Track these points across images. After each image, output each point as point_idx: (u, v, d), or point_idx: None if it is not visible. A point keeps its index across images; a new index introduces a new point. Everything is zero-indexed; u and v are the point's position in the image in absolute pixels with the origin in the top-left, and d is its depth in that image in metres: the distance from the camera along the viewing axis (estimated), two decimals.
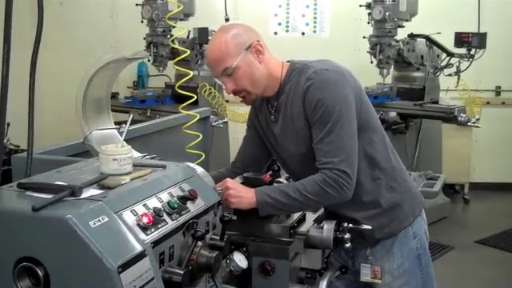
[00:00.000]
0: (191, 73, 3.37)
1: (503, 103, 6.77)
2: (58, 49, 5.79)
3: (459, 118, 5.10)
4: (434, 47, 5.49)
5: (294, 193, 2.02)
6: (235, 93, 2.20)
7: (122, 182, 1.56)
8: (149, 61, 5.70)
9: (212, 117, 4.04)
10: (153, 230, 1.45)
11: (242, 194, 2.03)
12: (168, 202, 1.56)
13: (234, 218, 1.98)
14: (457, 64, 5.46)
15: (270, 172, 2.17)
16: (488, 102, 6.52)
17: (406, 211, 2.28)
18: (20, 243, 1.34)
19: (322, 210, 2.27)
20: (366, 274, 2.29)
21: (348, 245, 2.05)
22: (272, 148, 2.32)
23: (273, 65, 2.22)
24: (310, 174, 2.05)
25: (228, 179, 2.08)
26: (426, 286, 2.35)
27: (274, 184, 2.12)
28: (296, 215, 2.13)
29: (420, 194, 2.42)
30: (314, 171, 2.05)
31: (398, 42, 5.49)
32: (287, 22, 6.98)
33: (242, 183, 2.08)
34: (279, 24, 6.97)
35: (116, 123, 2.25)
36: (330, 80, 2.10)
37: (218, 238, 1.70)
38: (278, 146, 2.27)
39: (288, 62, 2.28)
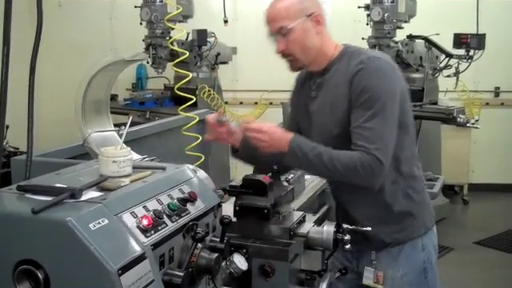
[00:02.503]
0: (190, 74, 3.38)
1: (502, 104, 6.77)
2: (56, 51, 5.80)
3: (458, 119, 5.10)
4: (433, 48, 5.50)
5: (326, 157, 2.03)
6: (283, 55, 2.21)
7: (122, 184, 1.56)
8: (148, 63, 5.70)
9: None
10: (153, 232, 1.45)
11: (277, 137, 2.07)
12: (168, 204, 1.56)
13: (234, 219, 1.98)
14: (456, 65, 5.47)
15: (270, 174, 2.17)
16: (487, 103, 6.53)
17: (418, 222, 2.24)
18: (20, 246, 1.33)
19: (322, 211, 2.27)
20: (368, 278, 2.28)
21: (348, 246, 2.05)
22: (304, 127, 2.30)
23: (327, 41, 2.22)
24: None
25: (266, 124, 2.11)
26: None
27: (274, 186, 2.11)
28: (296, 217, 2.13)
29: (432, 208, 2.36)
30: None
31: (396, 43, 5.50)
32: None
33: (242, 185, 2.08)
34: None
35: (115, 125, 2.25)
36: (380, 69, 2.10)
37: (218, 239, 1.69)
38: (311, 124, 2.25)
39: (343, 44, 2.27)
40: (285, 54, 2.21)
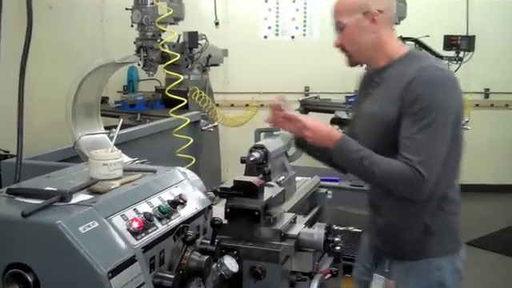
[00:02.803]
0: (181, 77, 3.37)
1: (492, 105, 6.82)
2: (47, 53, 5.78)
3: None
4: (423, 50, 5.52)
5: (367, 162, 2.05)
6: (341, 49, 2.27)
7: (112, 187, 1.56)
8: (139, 65, 5.68)
9: (202, 121, 4.03)
10: (143, 234, 1.45)
11: (322, 135, 2.13)
12: (158, 207, 1.56)
13: (225, 221, 1.98)
14: None
15: (261, 175, 2.17)
16: (477, 105, 6.57)
17: (438, 242, 2.19)
18: (9, 249, 1.33)
19: (312, 213, 2.27)
20: (377, 284, 2.26)
21: (338, 248, 2.06)
22: (354, 122, 2.34)
23: (389, 41, 2.20)
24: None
25: (314, 121, 2.19)
26: None
27: (265, 188, 2.12)
28: (287, 218, 2.13)
29: (459, 233, 2.30)
30: None
31: None
32: (277, 26, 7.00)
33: (232, 187, 2.08)
34: (269, 28, 6.99)
35: (106, 128, 2.24)
36: (438, 80, 2.05)
37: (209, 242, 1.70)
38: (359, 121, 2.29)
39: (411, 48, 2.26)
40: (341, 49, 2.25)
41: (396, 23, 5.46)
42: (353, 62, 2.29)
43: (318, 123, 2.17)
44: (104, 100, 5.69)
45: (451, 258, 2.23)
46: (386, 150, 2.06)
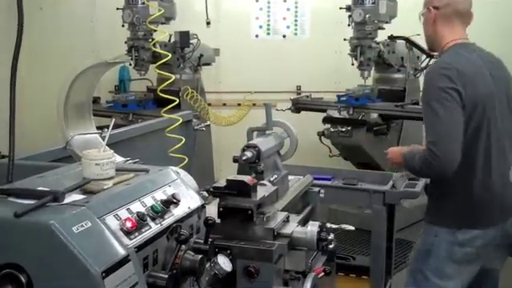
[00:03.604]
0: (173, 76, 3.36)
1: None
2: (38, 53, 5.75)
3: None
4: (414, 49, 5.54)
5: (412, 163, 2.56)
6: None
7: (105, 187, 1.55)
8: (130, 65, 5.67)
9: (194, 120, 4.02)
10: (136, 234, 1.45)
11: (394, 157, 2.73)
12: (151, 206, 1.56)
13: (218, 221, 1.98)
14: None
15: (254, 174, 2.17)
16: None
17: (442, 214, 2.61)
18: (2, 250, 1.32)
19: (305, 212, 2.27)
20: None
21: (331, 246, 2.07)
22: None
23: (446, 33, 2.64)
24: None
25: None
26: (428, 280, 2.60)
27: (258, 187, 2.12)
28: (280, 217, 2.14)
29: (465, 212, 2.58)
30: None
31: (378, 43, 5.53)
32: (268, 25, 7.00)
33: (225, 186, 2.08)
34: (260, 27, 6.99)
35: (98, 128, 2.24)
36: (428, 71, 2.67)
37: (202, 241, 1.70)
38: None
39: (458, 43, 2.66)
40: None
41: (387, 22, 5.57)
42: (430, 49, 2.87)
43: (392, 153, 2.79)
44: (95, 100, 5.66)
45: (452, 231, 2.55)
46: None
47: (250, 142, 2.58)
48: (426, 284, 2.59)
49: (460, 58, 2.55)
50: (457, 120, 2.41)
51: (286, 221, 2.16)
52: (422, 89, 2.56)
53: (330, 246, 2.07)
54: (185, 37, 5.45)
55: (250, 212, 2.01)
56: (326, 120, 5.63)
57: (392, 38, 5.66)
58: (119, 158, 2.03)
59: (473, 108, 2.46)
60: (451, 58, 2.55)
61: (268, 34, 7.00)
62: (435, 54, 2.83)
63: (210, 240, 1.71)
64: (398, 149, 2.79)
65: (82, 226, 1.33)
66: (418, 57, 5.71)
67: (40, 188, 1.50)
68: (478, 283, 2.66)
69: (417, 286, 2.65)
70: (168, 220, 1.59)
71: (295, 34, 6.97)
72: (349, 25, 5.57)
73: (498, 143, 2.55)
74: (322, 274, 2.24)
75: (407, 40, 5.51)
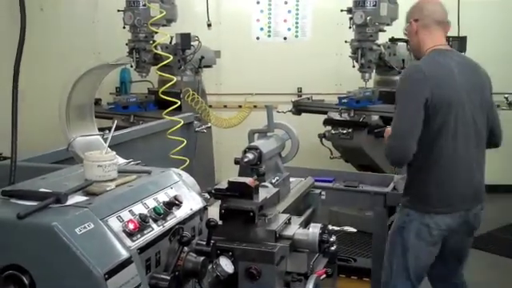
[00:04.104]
0: (174, 78, 3.37)
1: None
2: (39, 55, 5.75)
3: None
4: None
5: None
6: None
7: (108, 189, 1.56)
8: (131, 66, 5.67)
9: (195, 122, 4.03)
10: (139, 236, 1.45)
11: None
12: (154, 208, 1.56)
13: (220, 222, 1.98)
14: None
15: (255, 176, 2.17)
16: None
17: (410, 198, 2.88)
18: (5, 251, 1.32)
19: (307, 214, 2.27)
20: None
21: (334, 248, 2.07)
22: None
23: (427, 40, 2.92)
24: None
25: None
26: (399, 253, 2.89)
27: (260, 188, 2.12)
28: (281, 219, 2.14)
29: (435, 199, 2.83)
30: None
31: (379, 46, 5.53)
32: (269, 27, 7.01)
33: (227, 188, 2.08)
34: (261, 29, 7.00)
35: (99, 129, 2.24)
36: (402, 74, 3.01)
37: (204, 243, 1.70)
38: None
39: (437, 49, 2.92)
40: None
41: (388, 24, 5.57)
42: (415, 57, 3.09)
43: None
44: (97, 102, 5.67)
45: (421, 214, 2.82)
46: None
47: (252, 144, 2.59)
48: (398, 254, 2.90)
49: (432, 62, 2.84)
50: (415, 120, 2.70)
51: (288, 223, 2.16)
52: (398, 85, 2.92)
53: (332, 248, 2.07)
54: (186, 39, 5.45)
55: (251, 214, 2.01)
56: (326, 122, 5.63)
57: (393, 40, 5.67)
58: (121, 160, 2.03)
59: (439, 106, 2.72)
60: (424, 63, 2.84)
61: (269, 36, 7.00)
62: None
63: (212, 242, 1.71)
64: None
65: (85, 227, 1.33)
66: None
67: (42, 189, 1.51)
68: (441, 268, 3.03)
69: (392, 256, 2.94)
70: (170, 222, 1.59)
71: (296, 36, 6.98)
72: (350, 27, 5.57)
73: (464, 139, 2.81)
74: (324, 275, 2.24)
75: (408, 42, 5.51)
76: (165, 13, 4.50)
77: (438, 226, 2.82)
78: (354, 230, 2.16)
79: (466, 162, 2.84)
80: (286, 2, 6.95)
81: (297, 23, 6.96)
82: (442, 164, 2.79)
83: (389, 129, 2.86)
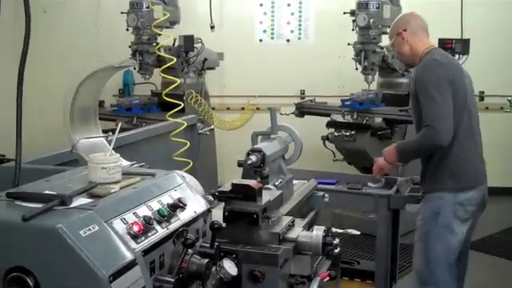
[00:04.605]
0: (178, 80, 3.37)
1: (487, 108, 6.83)
2: (42, 57, 5.77)
3: None
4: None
5: (405, 149, 3.18)
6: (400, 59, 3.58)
7: (112, 191, 1.56)
8: (134, 68, 5.69)
9: (199, 124, 4.03)
10: (143, 238, 1.45)
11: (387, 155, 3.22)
12: (158, 210, 1.56)
13: (224, 225, 1.98)
14: None
15: (259, 178, 2.17)
16: None
17: (441, 180, 3.05)
18: (10, 253, 1.33)
19: (310, 216, 2.27)
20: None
21: (337, 250, 2.06)
22: None
23: (419, 44, 3.20)
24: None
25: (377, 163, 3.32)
26: (438, 237, 3.05)
27: (263, 191, 2.12)
28: (285, 221, 2.14)
29: (464, 175, 3.09)
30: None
31: (382, 48, 5.54)
32: (272, 29, 7.01)
33: (231, 190, 2.08)
34: (264, 31, 7.01)
35: (103, 131, 2.24)
36: (423, 64, 3.14)
37: (208, 245, 1.70)
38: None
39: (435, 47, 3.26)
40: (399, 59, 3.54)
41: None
42: (405, 65, 3.85)
43: (379, 161, 3.30)
44: (100, 104, 5.66)
45: (453, 194, 3.03)
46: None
47: (255, 147, 2.59)
48: (436, 240, 3.05)
49: (440, 53, 3.20)
50: (449, 104, 2.95)
51: (292, 225, 2.16)
52: (419, 78, 3.04)
53: (335, 251, 2.07)
54: (189, 41, 5.47)
55: (255, 216, 2.01)
56: (330, 124, 5.63)
57: None
58: (125, 162, 2.04)
59: (458, 87, 3.02)
60: (438, 56, 3.13)
61: (272, 38, 7.01)
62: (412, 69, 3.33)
63: (215, 244, 1.71)
64: (390, 147, 3.25)
65: (90, 229, 1.33)
66: None
67: (47, 192, 1.51)
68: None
69: (428, 243, 3.08)
70: (174, 224, 1.59)
71: (299, 38, 6.98)
72: (353, 29, 5.58)
73: (474, 116, 3.18)
74: (327, 278, 2.24)
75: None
76: (168, 15, 4.51)
77: (470, 202, 3.05)
78: (358, 233, 2.16)
79: (478, 138, 3.20)
80: (288, 5, 6.95)
81: (300, 25, 6.97)
82: (463, 146, 3.05)
83: (387, 148, 3.22)
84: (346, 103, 5.58)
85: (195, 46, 5.55)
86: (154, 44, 5.48)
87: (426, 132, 2.94)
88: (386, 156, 3.24)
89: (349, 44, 5.60)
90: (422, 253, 3.12)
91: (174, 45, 5.49)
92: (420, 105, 3.02)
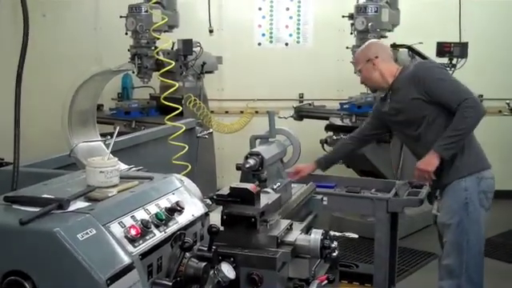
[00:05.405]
0: (176, 84, 3.37)
1: (485, 111, 6.83)
2: (41, 61, 5.77)
3: None
4: (417, 57, 5.55)
5: (456, 133, 3.13)
6: (364, 84, 3.60)
7: (110, 195, 1.56)
8: (133, 72, 5.69)
9: (197, 128, 4.03)
10: (141, 241, 1.45)
11: (428, 162, 3.17)
12: (156, 214, 1.56)
13: (222, 228, 1.98)
14: None
15: (257, 182, 2.17)
16: None
17: (460, 166, 3.18)
18: (7, 257, 1.33)
19: (308, 219, 2.27)
20: (434, 208, 3.43)
21: (335, 253, 2.06)
22: (387, 119, 3.47)
23: (389, 72, 3.37)
24: (413, 135, 3.30)
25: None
26: (470, 227, 3.16)
27: (261, 194, 2.12)
28: (283, 225, 2.14)
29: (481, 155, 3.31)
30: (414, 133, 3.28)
31: None
32: (271, 33, 7.02)
33: (229, 194, 2.08)
34: (263, 35, 7.01)
35: (101, 135, 2.24)
36: (428, 63, 3.65)
37: (206, 249, 1.70)
38: (392, 121, 3.44)
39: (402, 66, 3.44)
40: (364, 84, 3.58)
41: (389, 30, 5.59)
42: (372, 90, 3.99)
43: (424, 163, 3.21)
44: (98, 107, 5.65)
45: (477, 179, 3.19)
46: (431, 122, 3.19)
47: (253, 150, 2.59)
48: (468, 230, 3.16)
49: None
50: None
51: (290, 228, 2.16)
52: (425, 75, 3.20)
53: (334, 254, 2.07)
54: (188, 45, 5.47)
55: (253, 220, 2.01)
56: (328, 128, 5.63)
57: (394, 46, 5.66)
58: (123, 166, 2.04)
59: None
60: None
61: (271, 42, 7.02)
62: (382, 92, 3.52)
63: (213, 248, 1.71)
64: (427, 157, 3.19)
65: (87, 233, 1.33)
66: None
67: (44, 195, 1.51)
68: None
69: (460, 235, 3.17)
70: (172, 227, 1.59)
71: (298, 42, 6.99)
72: (351, 33, 5.58)
73: None
74: (326, 281, 2.24)
75: (410, 48, 5.52)
76: (167, 19, 4.51)
77: (490, 189, 3.23)
78: (356, 236, 2.15)
79: None
80: (287, 8, 6.96)
81: (298, 29, 6.97)
82: None
83: (424, 160, 3.20)
84: (345, 106, 5.59)
85: (194, 49, 5.56)
86: (153, 48, 5.48)
87: (468, 107, 3.07)
88: (427, 166, 3.19)
89: (347, 48, 5.60)
90: (453, 244, 3.20)
91: (172, 48, 5.49)
92: (436, 97, 3.14)
